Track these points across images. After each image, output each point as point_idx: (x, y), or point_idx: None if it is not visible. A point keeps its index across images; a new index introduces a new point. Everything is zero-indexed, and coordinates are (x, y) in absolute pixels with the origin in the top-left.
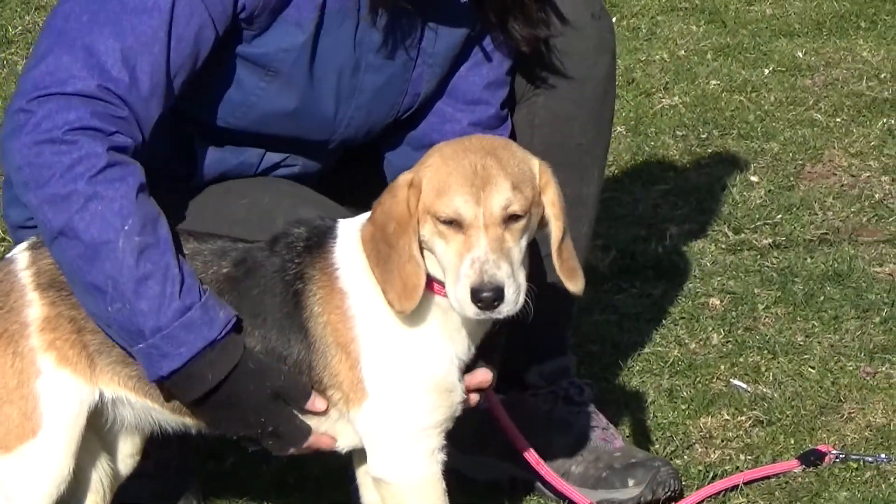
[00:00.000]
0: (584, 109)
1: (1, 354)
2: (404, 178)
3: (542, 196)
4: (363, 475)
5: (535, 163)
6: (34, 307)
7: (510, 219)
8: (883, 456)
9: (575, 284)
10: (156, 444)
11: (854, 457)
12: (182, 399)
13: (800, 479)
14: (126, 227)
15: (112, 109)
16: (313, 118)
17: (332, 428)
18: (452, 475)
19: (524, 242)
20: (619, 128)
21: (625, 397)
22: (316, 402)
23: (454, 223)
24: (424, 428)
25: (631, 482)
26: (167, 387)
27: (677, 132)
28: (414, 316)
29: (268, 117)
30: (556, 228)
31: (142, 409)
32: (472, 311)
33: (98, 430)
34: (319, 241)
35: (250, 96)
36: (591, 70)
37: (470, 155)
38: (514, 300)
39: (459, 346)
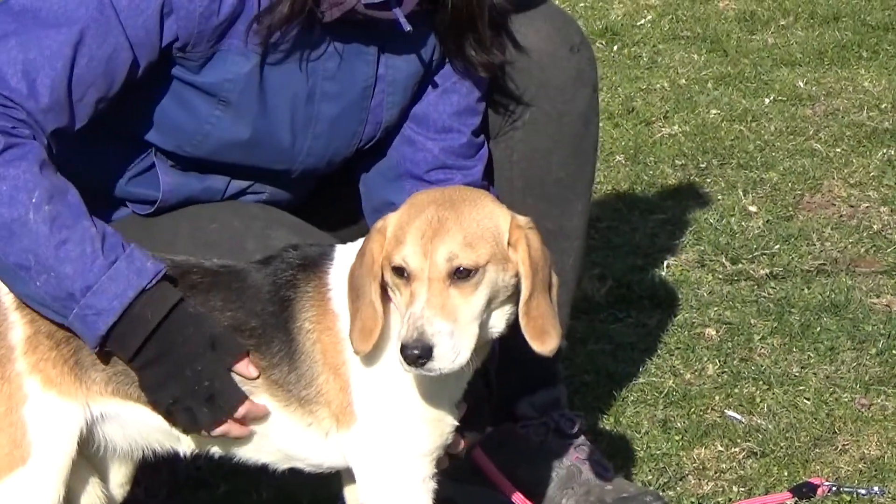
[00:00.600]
0: (563, 143)
1: None
2: (380, 222)
3: (512, 253)
4: (353, 500)
5: (506, 219)
6: (16, 328)
7: (458, 274)
8: (876, 489)
9: (543, 346)
10: (146, 472)
11: (847, 489)
12: (125, 354)
13: None
14: (34, 200)
15: (11, 112)
16: (270, 148)
17: (317, 446)
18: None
19: (481, 300)
20: (617, 156)
21: (619, 428)
22: (249, 367)
23: (404, 275)
24: (415, 455)
25: None
26: (110, 349)
27: (676, 161)
28: None
29: (224, 147)
30: (524, 287)
31: (129, 422)
32: (402, 365)
33: (89, 457)
34: (316, 261)
35: (204, 125)
36: (568, 104)
37: (432, 207)
38: (449, 358)
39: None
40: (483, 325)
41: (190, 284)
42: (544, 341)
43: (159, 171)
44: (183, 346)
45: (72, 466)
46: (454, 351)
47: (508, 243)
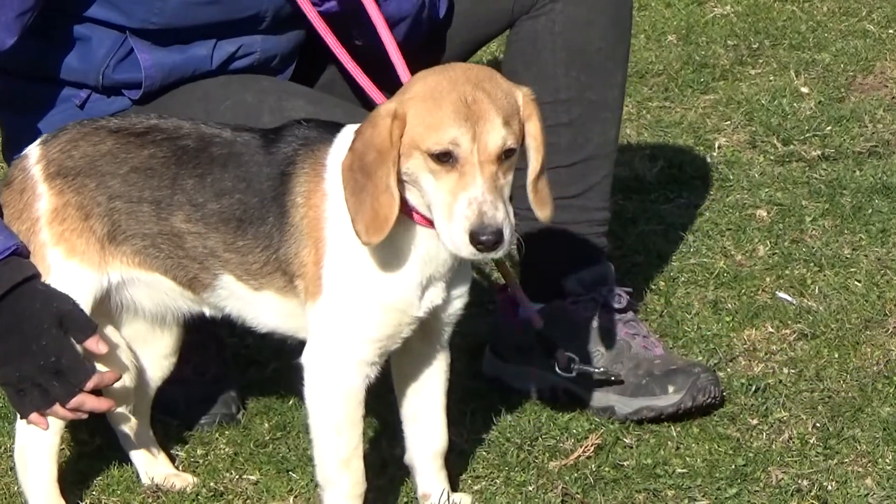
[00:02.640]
0: (603, 13)
1: None
2: (386, 108)
3: (524, 126)
4: (408, 415)
5: (520, 94)
6: (43, 199)
7: (504, 155)
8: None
9: (544, 212)
10: (194, 350)
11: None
12: None
13: (843, 393)
14: None
15: None
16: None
17: (299, 315)
18: (495, 383)
19: (510, 178)
20: (669, 36)
21: (669, 309)
22: (99, 343)
23: (447, 159)
24: (363, 339)
25: (671, 388)
26: None
27: (728, 41)
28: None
29: (185, 7)
30: (535, 160)
31: (154, 289)
32: (468, 251)
33: (119, 325)
34: (318, 138)
35: None
36: None
37: (459, 87)
38: (510, 241)
39: (432, 271)
40: None
41: (210, 157)
42: (546, 209)
43: (136, 51)
44: (29, 321)
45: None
46: (512, 232)
47: (523, 119)
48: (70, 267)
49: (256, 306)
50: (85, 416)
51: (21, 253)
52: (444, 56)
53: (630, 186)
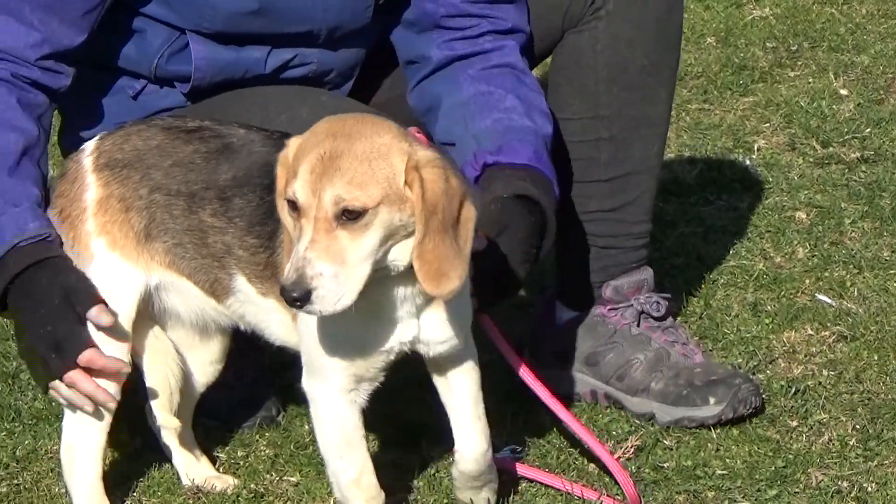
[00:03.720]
0: (647, 31)
1: (64, 239)
2: (283, 152)
3: (408, 192)
4: (439, 382)
5: (402, 158)
6: (91, 190)
7: (346, 215)
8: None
9: (438, 288)
10: (233, 354)
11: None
12: None
13: (882, 395)
14: None
15: None
16: (281, 13)
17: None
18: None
19: (371, 241)
20: (708, 38)
21: (709, 311)
22: (101, 314)
23: (295, 209)
24: (333, 368)
25: (712, 400)
26: None
27: (767, 44)
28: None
29: (235, 17)
30: (417, 229)
31: (185, 295)
32: (285, 301)
33: (166, 329)
34: None
35: None
36: None
37: (327, 141)
38: (330, 301)
39: (388, 309)
40: (379, 262)
41: (249, 154)
42: (440, 284)
43: (191, 43)
44: (36, 294)
45: (136, 329)
46: (336, 294)
47: (405, 182)
48: (112, 259)
49: (266, 315)
50: (89, 404)
51: (52, 241)
52: None
53: (669, 189)
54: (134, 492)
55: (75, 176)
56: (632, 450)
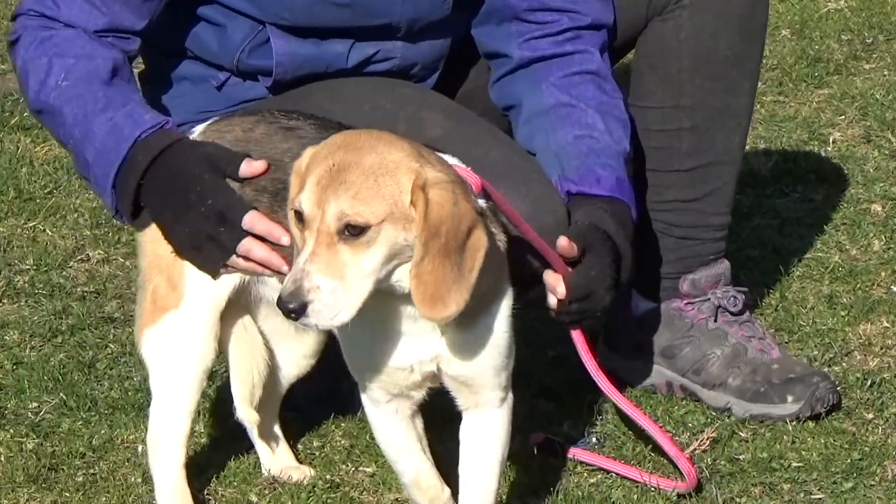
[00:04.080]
0: (730, 23)
1: None
2: (297, 161)
3: (408, 212)
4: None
5: (410, 176)
6: None
7: (349, 231)
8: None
9: (431, 312)
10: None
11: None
12: (126, 202)
13: None
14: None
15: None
16: (360, 5)
17: None
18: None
19: (375, 258)
20: (783, 31)
21: (784, 303)
22: (251, 165)
23: (301, 221)
24: (361, 376)
25: (790, 398)
26: (121, 209)
27: (842, 36)
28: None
29: (314, 7)
30: (416, 249)
31: (269, 286)
32: (282, 313)
33: (257, 319)
34: None
35: None
36: None
37: (338, 153)
38: (326, 316)
39: (396, 324)
40: (383, 281)
41: None
42: (433, 308)
43: (271, 37)
44: (179, 175)
45: (239, 330)
46: (333, 309)
47: (411, 202)
48: None
49: None
50: (258, 269)
51: (171, 125)
52: None
53: (745, 181)
54: (210, 482)
55: None
56: (707, 442)
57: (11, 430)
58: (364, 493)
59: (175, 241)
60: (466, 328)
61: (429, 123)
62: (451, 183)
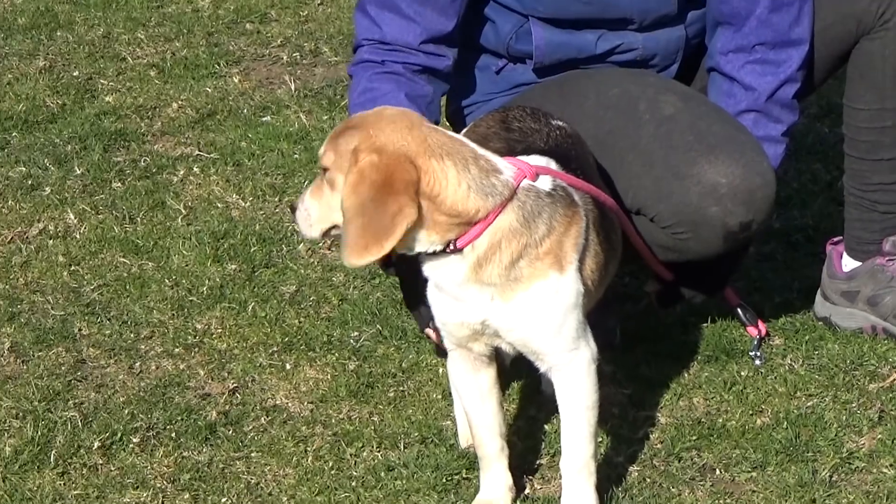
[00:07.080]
0: None
1: None
2: None
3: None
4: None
5: (359, 138)
6: None
7: (324, 170)
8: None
9: (342, 256)
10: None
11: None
12: None
13: None
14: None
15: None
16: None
17: None
18: (825, 322)
19: (334, 197)
20: None
21: None
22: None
23: None
24: (441, 329)
25: None
26: None
27: None
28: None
29: (561, 1)
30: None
31: None
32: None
33: None
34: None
35: None
36: None
37: (355, 118)
38: (303, 227)
39: (443, 285)
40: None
41: None
42: (343, 254)
43: (532, 27)
44: None
45: None
46: (305, 223)
47: (342, 159)
48: None
49: None
50: None
51: None
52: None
53: None
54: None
55: None
56: None
57: (337, 354)
58: None
59: None
60: (509, 300)
61: (664, 104)
62: (390, 155)
